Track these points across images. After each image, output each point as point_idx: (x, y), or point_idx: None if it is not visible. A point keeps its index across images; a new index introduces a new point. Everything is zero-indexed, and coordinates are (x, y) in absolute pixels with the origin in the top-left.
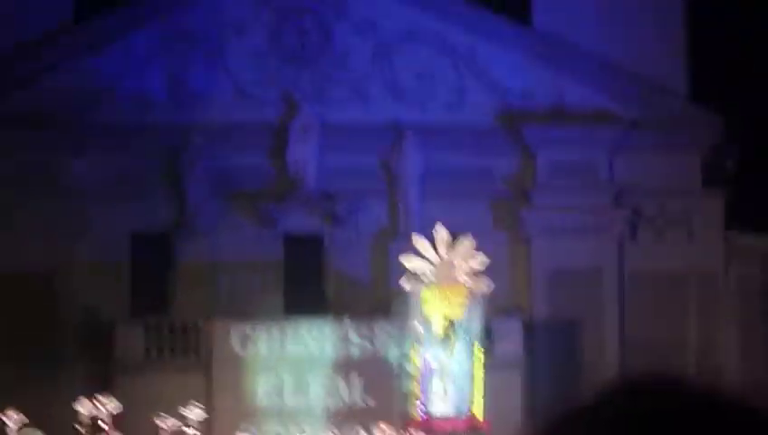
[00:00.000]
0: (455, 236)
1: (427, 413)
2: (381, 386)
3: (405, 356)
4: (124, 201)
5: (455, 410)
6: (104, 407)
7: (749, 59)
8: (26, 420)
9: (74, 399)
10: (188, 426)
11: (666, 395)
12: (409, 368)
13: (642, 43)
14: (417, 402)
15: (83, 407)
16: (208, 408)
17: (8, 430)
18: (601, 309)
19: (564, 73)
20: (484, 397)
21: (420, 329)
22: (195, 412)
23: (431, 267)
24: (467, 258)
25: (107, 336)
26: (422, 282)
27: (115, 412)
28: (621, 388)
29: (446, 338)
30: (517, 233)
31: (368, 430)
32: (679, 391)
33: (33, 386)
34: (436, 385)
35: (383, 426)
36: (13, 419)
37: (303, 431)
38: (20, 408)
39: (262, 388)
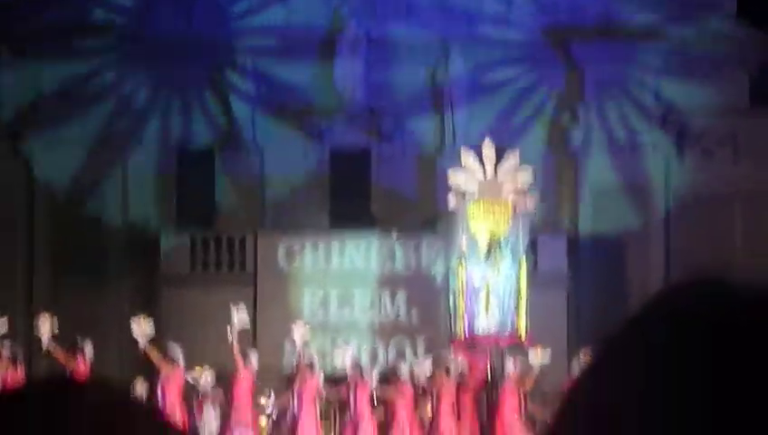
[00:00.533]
0: (501, 152)
1: (471, 330)
2: (426, 302)
3: (450, 272)
4: (171, 115)
5: (499, 327)
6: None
7: None
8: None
9: (121, 312)
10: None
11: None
12: (454, 284)
13: None
14: (462, 319)
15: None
16: (253, 321)
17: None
18: (647, 227)
19: None
20: (529, 314)
21: (466, 245)
22: (240, 317)
23: (477, 183)
24: (514, 175)
25: (153, 250)
26: (468, 198)
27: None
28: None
29: (492, 255)
30: (564, 150)
31: (413, 345)
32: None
33: (80, 299)
34: (481, 302)
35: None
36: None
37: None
38: (66, 320)
39: (307, 302)
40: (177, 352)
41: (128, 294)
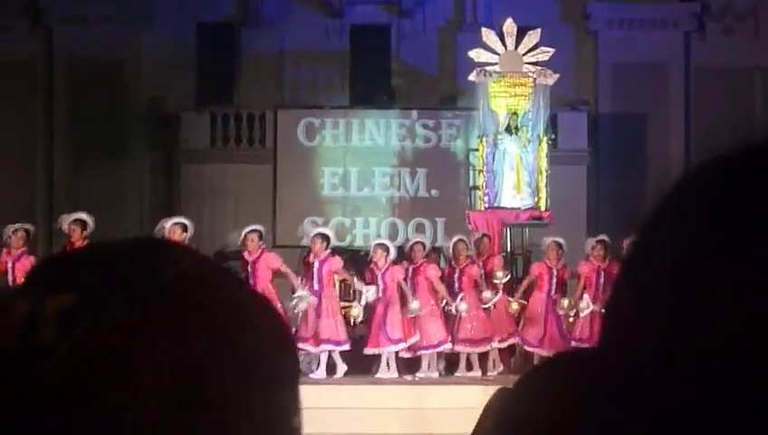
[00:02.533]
0: (522, 28)
1: (491, 205)
2: (447, 178)
3: (471, 149)
4: None
5: (519, 202)
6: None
7: None
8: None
9: (140, 188)
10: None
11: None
12: (475, 161)
13: None
14: (482, 194)
15: None
16: (273, 197)
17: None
18: (667, 103)
19: None
20: (549, 189)
21: (487, 122)
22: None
23: (498, 60)
24: (534, 51)
25: (173, 126)
26: (489, 74)
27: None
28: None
29: (512, 131)
30: (584, 26)
31: (432, 223)
32: None
33: (100, 174)
34: (502, 177)
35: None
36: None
37: (367, 224)
38: (86, 198)
39: (327, 178)
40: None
41: (148, 169)
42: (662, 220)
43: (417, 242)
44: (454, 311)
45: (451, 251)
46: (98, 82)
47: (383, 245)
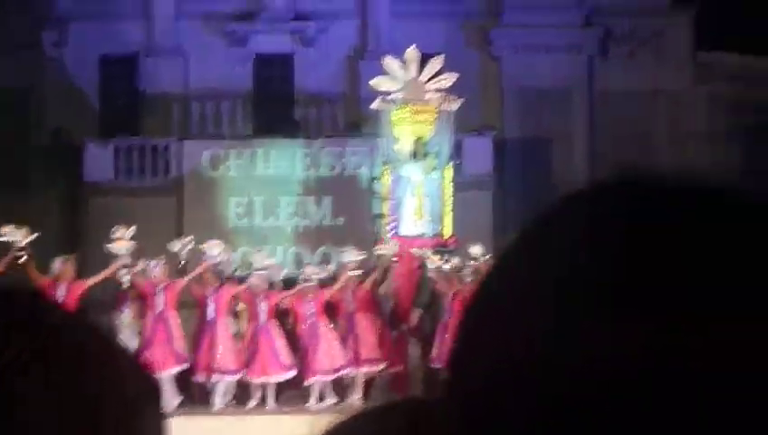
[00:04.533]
0: (426, 55)
1: (396, 232)
2: (351, 206)
3: (375, 177)
4: (93, 21)
5: (425, 229)
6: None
7: None
8: None
9: (46, 223)
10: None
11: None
12: (380, 188)
13: None
14: (387, 222)
15: None
16: (179, 229)
17: None
18: (571, 127)
19: None
20: (455, 215)
21: (391, 149)
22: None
23: (401, 87)
24: (437, 77)
25: (77, 158)
26: (392, 102)
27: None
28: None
29: (417, 157)
30: (488, 52)
31: (338, 249)
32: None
33: (2, 207)
34: (406, 204)
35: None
36: None
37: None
38: None
39: (232, 208)
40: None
41: (53, 202)
42: (518, 257)
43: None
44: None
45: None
46: (1, 114)
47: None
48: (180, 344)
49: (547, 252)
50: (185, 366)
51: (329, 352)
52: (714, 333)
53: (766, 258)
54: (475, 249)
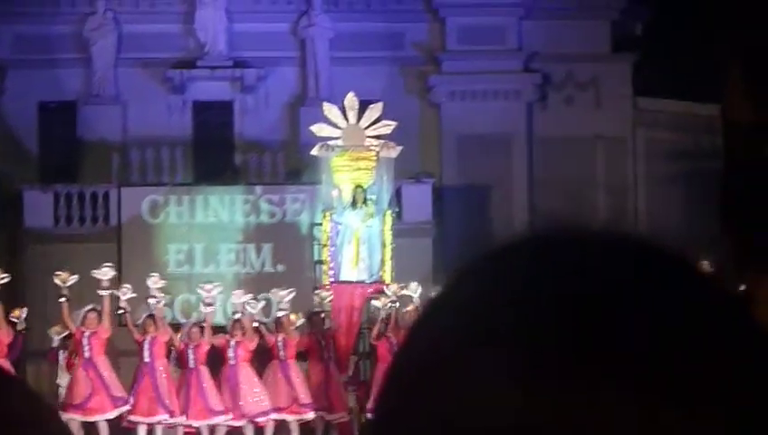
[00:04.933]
0: (365, 102)
1: (336, 279)
2: (292, 253)
3: (315, 223)
4: (31, 69)
5: (364, 276)
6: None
7: None
8: None
9: None
10: (102, 288)
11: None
12: (320, 234)
13: None
14: (328, 268)
15: None
16: (118, 276)
17: None
18: (511, 174)
19: None
20: (394, 262)
21: (330, 195)
22: (104, 271)
23: (341, 134)
24: (377, 124)
25: (16, 205)
26: (332, 149)
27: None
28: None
29: (356, 204)
30: (427, 98)
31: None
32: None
33: None
34: (347, 251)
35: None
36: None
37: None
38: None
39: (172, 255)
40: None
41: None
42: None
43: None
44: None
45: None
46: None
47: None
48: (114, 387)
49: (478, 306)
50: (122, 410)
51: (253, 396)
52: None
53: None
54: (412, 287)
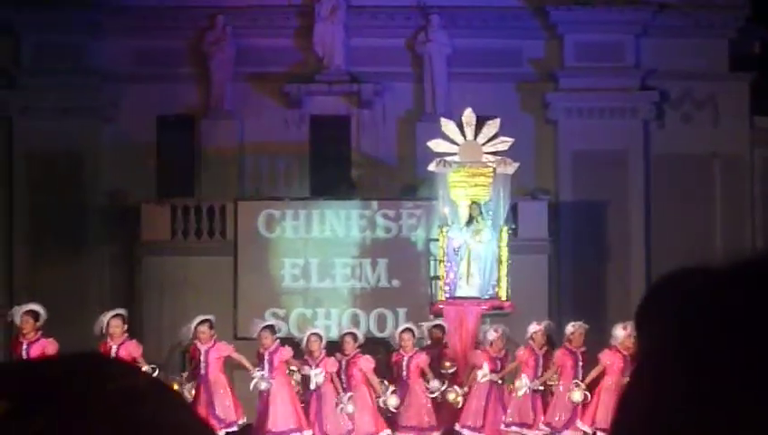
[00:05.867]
0: (481, 118)
1: (452, 296)
2: (407, 269)
3: (431, 239)
4: (149, 83)
5: (480, 292)
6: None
7: None
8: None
9: (101, 282)
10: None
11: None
12: (436, 250)
13: None
14: (443, 284)
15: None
16: (234, 289)
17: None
18: (627, 192)
19: None
20: (510, 279)
21: (446, 211)
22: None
23: (458, 150)
24: (494, 140)
25: (133, 218)
26: (449, 164)
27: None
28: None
29: (472, 220)
30: (544, 115)
31: (394, 313)
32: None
33: (60, 266)
34: (462, 268)
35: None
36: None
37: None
38: (46, 290)
39: (287, 270)
40: None
41: (108, 261)
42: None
43: (347, 333)
44: (381, 404)
45: (397, 340)
46: (58, 174)
47: (317, 333)
48: (224, 405)
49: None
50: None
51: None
52: None
53: None
54: (532, 327)
